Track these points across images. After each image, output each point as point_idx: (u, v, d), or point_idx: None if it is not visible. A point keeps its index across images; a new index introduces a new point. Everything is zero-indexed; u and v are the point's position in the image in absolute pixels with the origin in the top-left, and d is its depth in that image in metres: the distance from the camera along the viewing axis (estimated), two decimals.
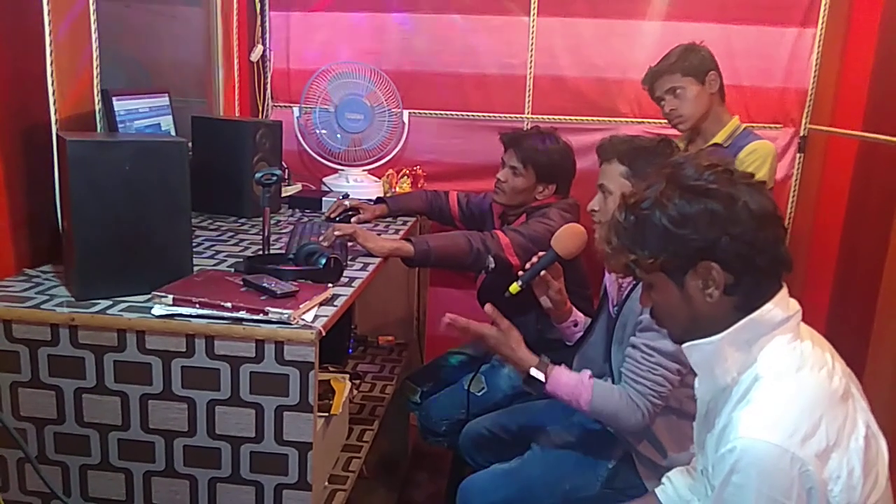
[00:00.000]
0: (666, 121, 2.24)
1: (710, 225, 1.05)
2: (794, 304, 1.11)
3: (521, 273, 1.73)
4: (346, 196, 2.43)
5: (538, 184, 2.10)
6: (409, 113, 2.69)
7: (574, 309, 1.86)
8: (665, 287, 1.11)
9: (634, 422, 1.54)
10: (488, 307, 1.62)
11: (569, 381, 1.57)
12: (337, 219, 2.16)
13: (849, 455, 1.01)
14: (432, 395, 2.22)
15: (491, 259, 1.88)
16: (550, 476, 1.67)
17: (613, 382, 1.69)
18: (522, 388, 2.08)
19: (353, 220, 2.15)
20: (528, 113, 2.66)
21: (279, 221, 2.16)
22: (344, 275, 1.55)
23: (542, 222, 1.99)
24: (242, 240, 1.86)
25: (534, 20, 2.60)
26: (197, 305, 1.26)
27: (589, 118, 2.63)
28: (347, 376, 1.84)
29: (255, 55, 2.68)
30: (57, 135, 1.48)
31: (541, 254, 1.74)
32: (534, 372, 1.57)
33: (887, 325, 1.96)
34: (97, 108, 1.69)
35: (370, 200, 2.34)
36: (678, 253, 1.07)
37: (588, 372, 1.59)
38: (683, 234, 1.06)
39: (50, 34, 1.50)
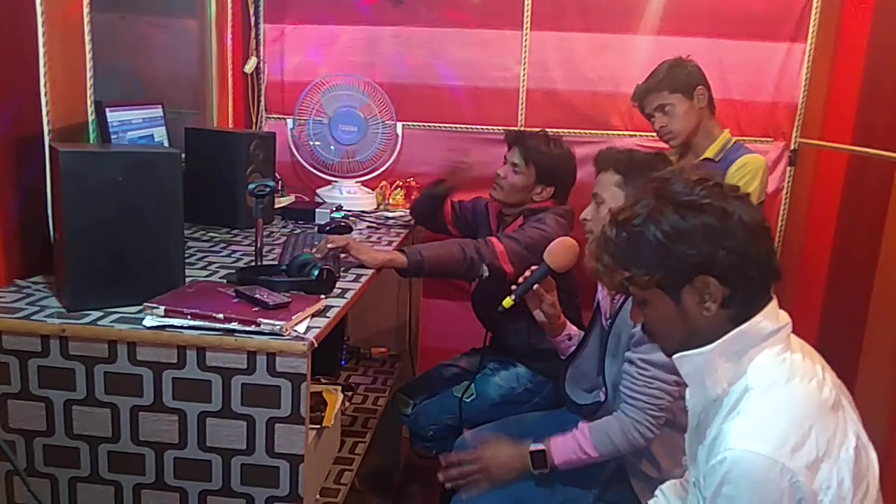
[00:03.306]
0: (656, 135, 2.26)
1: (705, 239, 1.05)
2: (784, 316, 1.11)
3: (514, 287, 1.73)
4: (339, 208, 2.43)
5: (537, 184, 2.11)
6: (403, 125, 2.70)
7: (568, 323, 1.86)
8: (660, 303, 1.11)
9: (640, 440, 1.57)
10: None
11: (566, 441, 1.61)
12: (328, 229, 2.16)
13: (839, 466, 1.01)
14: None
15: (485, 267, 1.87)
16: (543, 490, 1.67)
17: (606, 395, 1.69)
18: (511, 396, 2.10)
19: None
20: (520, 125, 2.67)
21: (272, 233, 2.15)
22: (337, 286, 1.55)
23: (538, 228, 1.99)
24: (235, 251, 1.86)
25: (527, 34, 2.62)
26: (189, 317, 1.26)
27: (581, 131, 2.64)
28: (340, 388, 1.84)
29: (249, 67, 2.69)
30: (49, 145, 1.48)
31: (533, 268, 1.75)
32: (534, 447, 1.61)
33: (878, 336, 1.97)
34: (90, 119, 1.69)
35: (363, 211, 2.34)
36: (675, 268, 1.07)
37: (580, 423, 1.62)
38: (679, 249, 1.06)
39: (44, 45, 1.50)
